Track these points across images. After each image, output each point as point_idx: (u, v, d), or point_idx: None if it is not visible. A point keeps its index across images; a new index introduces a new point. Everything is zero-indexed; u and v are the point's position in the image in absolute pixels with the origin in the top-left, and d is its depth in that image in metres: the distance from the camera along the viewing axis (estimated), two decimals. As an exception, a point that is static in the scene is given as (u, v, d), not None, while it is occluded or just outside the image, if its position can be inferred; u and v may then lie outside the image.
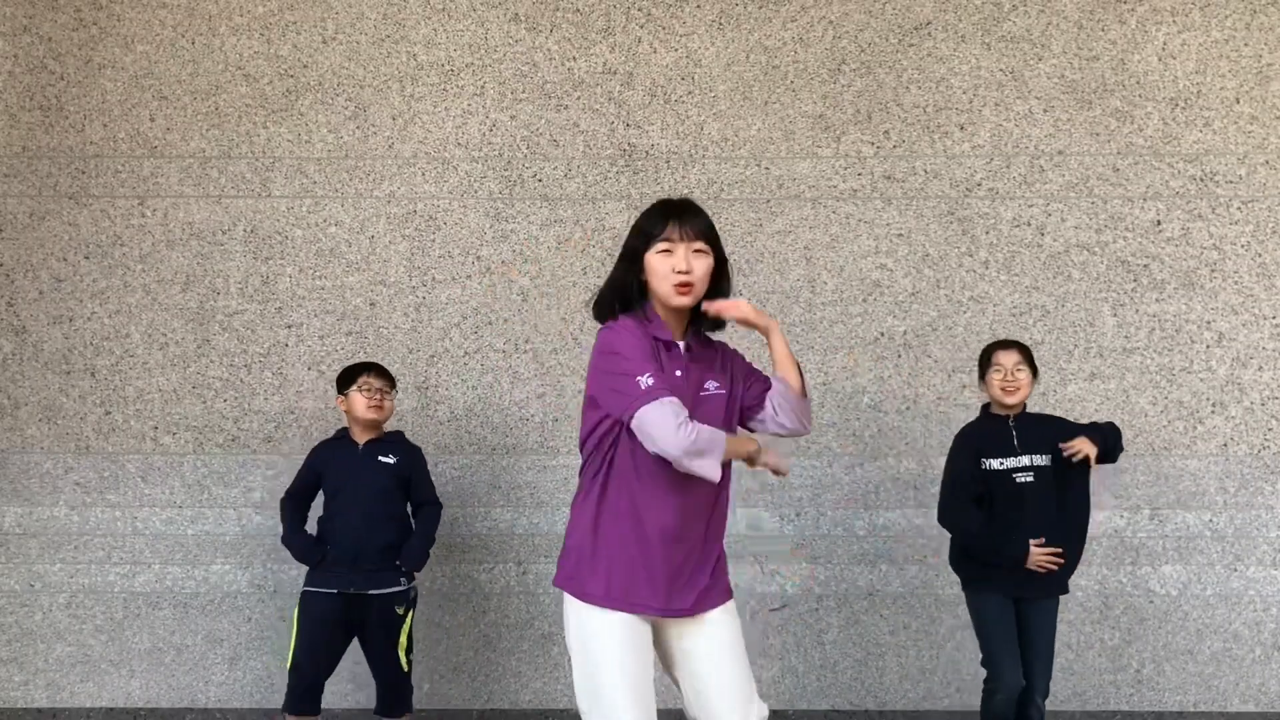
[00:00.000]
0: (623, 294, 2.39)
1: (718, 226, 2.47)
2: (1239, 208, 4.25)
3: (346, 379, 3.66)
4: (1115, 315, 4.25)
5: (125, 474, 4.28)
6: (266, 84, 4.31)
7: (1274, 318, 4.25)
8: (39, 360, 4.29)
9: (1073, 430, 3.41)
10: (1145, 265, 4.25)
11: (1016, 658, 3.34)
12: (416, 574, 3.61)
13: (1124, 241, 4.26)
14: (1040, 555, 3.25)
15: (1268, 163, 4.25)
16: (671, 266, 2.33)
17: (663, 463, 2.29)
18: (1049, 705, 4.07)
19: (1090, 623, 4.22)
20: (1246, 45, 4.26)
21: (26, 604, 4.26)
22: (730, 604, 2.47)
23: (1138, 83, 4.27)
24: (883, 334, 4.27)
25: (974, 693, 4.27)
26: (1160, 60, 4.27)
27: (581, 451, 2.43)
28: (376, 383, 3.63)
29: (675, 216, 2.36)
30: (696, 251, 2.35)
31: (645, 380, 2.25)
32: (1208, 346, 4.24)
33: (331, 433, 3.81)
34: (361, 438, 3.62)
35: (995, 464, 3.37)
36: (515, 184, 4.30)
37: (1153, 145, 4.26)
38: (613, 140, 4.29)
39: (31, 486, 4.27)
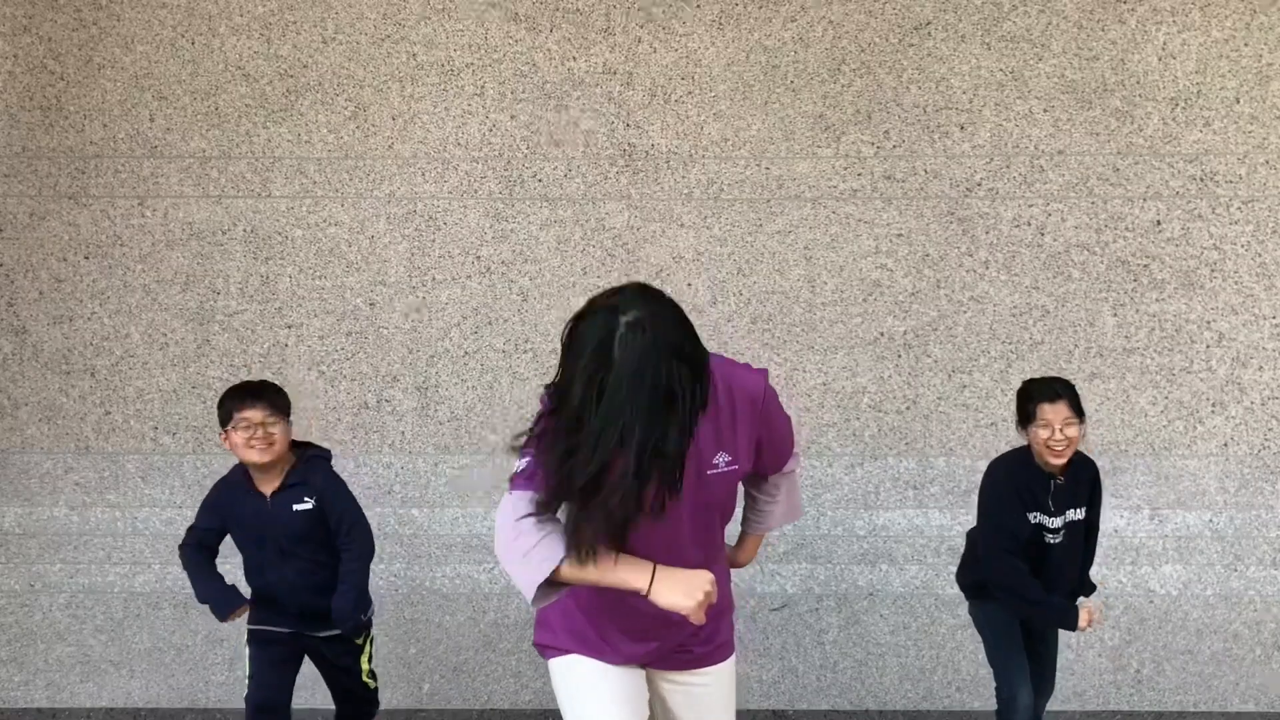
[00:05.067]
0: None
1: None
2: (1239, 208, 4.25)
3: (222, 412, 3.04)
4: (1115, 315, 4.25)
5: (125, 474, 4.28)
6: (266, 84, 4.31)
7: (1274, 318, 4.25)
8: (39, 360, 4.29)
9: (1096, 485, 3.34)
10: (1145, 265, 4.25)
11: (1026, 673, 3.27)
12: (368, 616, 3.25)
13: (1124, 241, 4.26)
14: (1087, 623, 3.13)
15: (1268, 163, 4.25)
16: None
17: None
18: (1049, 705, 4.08)
19: (1090, 623, 4.22)
20: (1246, 45, 4.26)
21: (26, 604, 4.26)
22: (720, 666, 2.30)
23: (1138, 83, 4.27)
24: (883, 334, 4.27)
25: (974, 693, 4.28)
26: (1160, 60, 4.27)
27: None
28: (256, 416, 2.99)
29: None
30: None
31: (520, 463, 1.99)
32: (1208, 346, 4.24)
33: (229, 471, 3.26)
34: (264, 485, 3.11)
35: (1031, 518, 3.20)
36: (515, 184, 4.30)
37: (1153, 145, 4.26)
38: (613, 140, 4.29)
39: (31, 486, 4.27)
